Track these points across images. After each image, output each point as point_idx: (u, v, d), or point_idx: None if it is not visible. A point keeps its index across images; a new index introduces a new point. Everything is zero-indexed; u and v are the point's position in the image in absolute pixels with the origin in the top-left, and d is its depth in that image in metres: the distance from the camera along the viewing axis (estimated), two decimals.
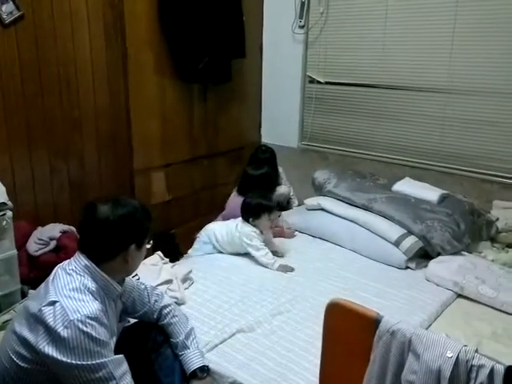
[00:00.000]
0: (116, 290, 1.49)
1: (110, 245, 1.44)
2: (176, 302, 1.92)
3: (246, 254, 2.59)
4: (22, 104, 2.57)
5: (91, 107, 2.88)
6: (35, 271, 2.46)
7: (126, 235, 1.45)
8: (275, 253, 2.59)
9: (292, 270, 2.44)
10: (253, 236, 2.52)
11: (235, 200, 3.02)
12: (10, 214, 2.18)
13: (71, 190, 2.89)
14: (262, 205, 2.53)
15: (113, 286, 1.47)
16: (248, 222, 2.56)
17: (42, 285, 1.44)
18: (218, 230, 2.66)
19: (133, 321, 1.79)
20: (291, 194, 3.64)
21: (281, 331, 1.89)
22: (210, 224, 2.80)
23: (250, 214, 2.55)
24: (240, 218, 2.62)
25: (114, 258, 1.45)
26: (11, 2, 2.42)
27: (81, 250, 1.45)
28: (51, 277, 1.43)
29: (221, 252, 2.64)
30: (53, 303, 1.31)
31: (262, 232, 2.56)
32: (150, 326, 1.71)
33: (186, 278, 2.23)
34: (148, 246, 1.57)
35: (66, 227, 2.64)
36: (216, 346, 1.78)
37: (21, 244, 2.44)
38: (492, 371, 1.11)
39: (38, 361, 1.31)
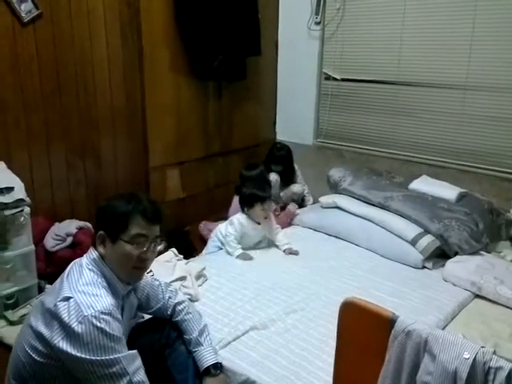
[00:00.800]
0: (119, 284, 1.48)
1: (96, 235, 1.47)
2: (190, 299, 1.92)
3: (259, 251, 2.60)
4: (40, 102, 2.61)
5: (107, 105, 2.91)
6: (52, 266, 2.49)
7: (100, 225, 1.48)
8: (286, 249, 2.62)
9: (251, 258, 2.49)
10: (233, 223, 2.60)
11: (234, 201, 3.06)
12: (27, 210, 2.21)
13: (87, 187, 2.92)
14: (255, 195, 2.59)
15: (116, 281, 1.47)
16: (243, 211, 2.63)
17: (58, 280, 1.46)
18: (223, 226, 2.71)
19: (147, 317, 1.79)
20: (306, 191, 3.63)
21: (294, 329, 1.88)
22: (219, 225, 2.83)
23: (244, 203, 2.63)
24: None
25: (96, 248, 1.47)
26: (30, 1, 2.45)
27: (94, 246, 1.47)
28: (66, 272, 1.44)
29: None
30: (67, 299, 1.32)
31: (259, 223, 2.61)
32: (163, 322, 1.72)
33: (199, 275, 2.23)
34: (161, 247, 1.57)
35: (82, 223, 2.67)
36: (229, 343, 1.78)
37: (38, 240, 2.47)
38: (510, 373, 1.09)
39: (52, 355, 1.33)
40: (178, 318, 1.71)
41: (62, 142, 2.75)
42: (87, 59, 2.76)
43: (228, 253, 2.56)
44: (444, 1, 2.97)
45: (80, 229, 2.62)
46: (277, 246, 2.67)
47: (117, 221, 1.43)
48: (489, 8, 2.81)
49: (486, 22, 2.83)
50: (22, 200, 2.20)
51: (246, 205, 2.60)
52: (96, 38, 2.77)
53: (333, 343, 1.42)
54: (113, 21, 2.82)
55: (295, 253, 2.58)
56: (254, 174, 3.25)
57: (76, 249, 2.55)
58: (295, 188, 3.57)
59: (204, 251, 2.77)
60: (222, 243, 2.67)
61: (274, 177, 3.49)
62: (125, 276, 1.48)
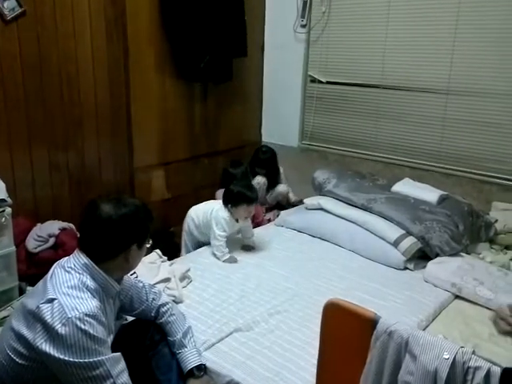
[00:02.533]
0: (114, 288, 1.49)
1: (111, 244, 1.43)
2: (174, 301, 1.92)
3: (244, 253, 2.61)
4: (22, 100, 2.57)
5: (92, 104, 2.88)
6: (33, 268, 2.46)
7: (128, 235, 1.45)
8: (248, 247, 2.66)
9: (236, 261, 2.49)
10: (221, 224, 2.53)
11: (218, 195, 3.15)
12: (9, 210, 2.18)
13: (71, 187, 2.89)
14: (244, 195, 2.53)
15: (111, 285, 1.47)
16: (227, 207, 2.57)
17: (40, 282, 1.44)
18: (195, 210, 2.71)
19: (130, 319, 1.79)
20: (289, 193, 3.66)
21: (278, 330, 1.89)
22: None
23: (230, 200, 2.56)
24: (220, 202, 2.62)
25: (114, 258, 1.45)
26: None
27: (81, 248, 1.45)
28: (49, 274, 1.43)
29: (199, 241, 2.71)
30: (51, 300, 1.31)
31: (237, 220, 2.58)
32: (147, 324, 1.71)
33: (184, 277, 2.23)
34: (148, 246, 1.57)
35: (65, 224, 2.64)
36: (213, 344, 1.78)
37: (19, 241, 2.44)
38: (488, 373, 1.12)
39: (35, 358, 1.31)
40: (162, 319, 1.71)
41: (45, 142, 2.72)
42: (71, 58, 2.73)
43: (215, 256, 2.53)
44: (427, 7, 3.02)
45: (63, 230, 2.59)
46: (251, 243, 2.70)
47: (144, 228, 1.51)
48: (470, 15, 2.86)
49: (467, 28, 2.89)
50: (3, 200, 2.17)
51: (232, 202, 2.54)
52: (80, 37, 2.75)
53: (316, 344, 1.43)
54: (98, 20, 2.80)
55: (251, 247, 2.64)
56: (239, 171, 3.35)
57: (58, 250, 2.52)
58: (280, 188, 3.61)
59: (183, 251, 2.78)
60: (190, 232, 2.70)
61: (260, 179, 3.51)
62: (125, 273, 1.58)
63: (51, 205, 2.81)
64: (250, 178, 3.48)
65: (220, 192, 3.17)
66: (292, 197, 3.68)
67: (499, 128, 2.87)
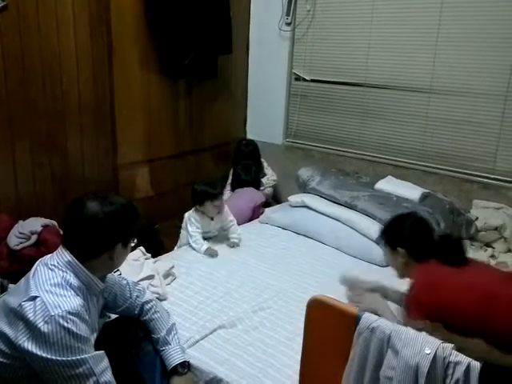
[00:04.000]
0: (98, 286, 1.48)
1: (96, 242, 1.42)
2: (158, 298, 1.92)
3: (228, 250, 2.62)
4: (4, 96, 2.53)
5: (75, 100, 2.85)
6: (15, 265, 2.42)
7: (113, 233, 1.44)
8: (233, 244, 2.70)
9: (217, 254, 2.56)
10: (192, 222, 2.66)
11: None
12: None
13: (54, 184, 2.85)
14: (205, 192, 2.62)
15: (95, 283, 1.46)
16: (195, 207, 2.68)
17: (22, 280, 1.42)
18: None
19: (114, 317, 1.78)
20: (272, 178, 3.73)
21: (262, 327, 1.90)
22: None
23: (195, 200, 2.67)
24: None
25: (99, 256, 1.43)
26: None
27: (65, 246, 1.43)
28: (32, 272, 1.41)
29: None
30: (33, 298, 1.30)
31: (212, 218, 2.68)
32: (131, 321, 1.70)
33: (168, 274, 2.22)
34: (132, 245, 1.56)
35: (47, 221, 2.60)
36: (197, 341, 1.78)
37: (1, 238, 2.41)
38: (468, 368, 1.14)
39: (17, 356, 1.30)
40: (146, 317, 1.70)
41: (27, 138, 2.67)
42: (54, 53, 2.69)
43: (194, 249, 2.60)
44: (411, 7, 3.05)
45: (45, 227, 2.56)
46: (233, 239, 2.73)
47: (130, 226, 1.51)
48: (453, 15, 2.90)
49: (450, 29, 2.93)
50: None
51: (198, 201, 2.64)
52: (64, 33, 2.71)
53: (300, 340, 1.45)
54: (81, 15, 2.76)
55: (235, 245, 2.69)
56: (248, 178, 3.47)
57: (41, 247, 2.49)
58: (264, 181, 3.64)
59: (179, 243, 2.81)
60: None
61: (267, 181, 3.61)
62: (109, 272, 1.56)
63: (34, 202, 2.77)
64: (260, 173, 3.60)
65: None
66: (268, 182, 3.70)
67: (480, 127, 2.92)
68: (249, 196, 3.33)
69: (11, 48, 2.50)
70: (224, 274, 2.32)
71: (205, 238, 2.69)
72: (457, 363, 1.16)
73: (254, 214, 3.25)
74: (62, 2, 2.66)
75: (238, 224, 2.83)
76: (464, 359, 1.15)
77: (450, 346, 1.18)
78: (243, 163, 3.57)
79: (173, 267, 2.28)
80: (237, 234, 2.73)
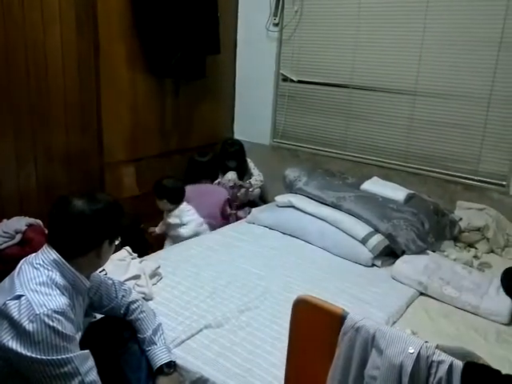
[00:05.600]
0: (84, 284, 1.48)
1: (84, 240, 1.42)
2: (144, 298, 1.91)
3: (217, 249, 2.61)
4: None
5: (61, 98, 2.82)
6: None
7: (100, 231, 1.45)
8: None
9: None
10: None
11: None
12: None
13: (38, 182, 2.82)
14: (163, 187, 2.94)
15: (81, 281, 1.46)
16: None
17: (7, 279, 1.41)
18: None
19: (99, 316, 1.77)
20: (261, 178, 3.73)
21: (248, 327, 1.90)
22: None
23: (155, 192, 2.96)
24: None
25: (86, 254, 1.43)
26: None
27: (50, 244, 1.43)
28: (16, 271, 1.40)
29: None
30: (18, 297, 1.29)
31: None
32: (116, 321, 1.70)
33: (154, 274, 2.21)
34: (117, 242, 1.56)
35: (32, 220, 2.57)
36: (183, 341, 1.78)
37: None
38: (451, 367, 1.16)
39: (1, 355, 1.29)
40: (132, 316, 1.70)
41: (11, 135, 2.64)
42: (39, 50, 2.66)
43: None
44: (396, 9, 3.08)
45: (30, 226, 2.53)
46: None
47: (116, 224, 1.51)
48: (438, 18, 2.94)
49: (435, 31, 2.96)
50: None
51: (156, 195, 2.92)
52: (49, 29, 2.68)
53: (286, 340, 1.45)
54: (68, 12, 2.74)
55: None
56: (206, 159, 3.51)
57: (25, 246, 2.46)
58: (252, 181, 3.63)
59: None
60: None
61: (231, 176, 3.52)
62: (95, 270, 1.58)
63: (18, 200, 2.73)
64: (215, 166, 3.62)
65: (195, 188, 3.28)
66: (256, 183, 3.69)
67: (463, 129, 2.96)
68: (213, 197, 3.30)
69: None
70: (211, 273, 2.32)
71: None
72: (440, 362, 1.17)
73: (223, 212, 3.27)
74: None
75: (212, 227, 3.05)
76: (447, 358, 1.17)
77: (434, 345, 1.20)
78: (200, 151, 3.61)
79: (159, 267, 2.28)
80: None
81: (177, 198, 2.93)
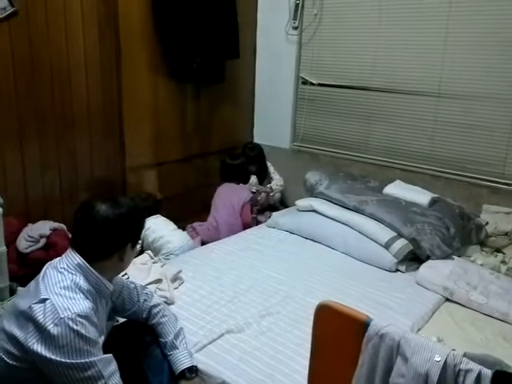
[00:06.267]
0: (107, 288, 1.49)
1: (108, 244, 1.44)
2: (165, 302, 1.92)
3: (238, 254, 2.61)
4: (14, 101, 2.55)
5: (84, 104, 2.87)
6: (24, 268, 2.44)
7: (124, 234, 1.47)
8: None
9: None
10: None
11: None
12: (0, 210, 2.16)
13: (62, 187, 2.87)
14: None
15: (104, 285, 1.47)
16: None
17: (32, 282, 1.44)
18: None
19: (122, 320, 1.78)
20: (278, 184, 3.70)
21: (270, 332, 1.89)
22: None
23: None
24: None
25: (110, 257, 1.45)
26: None
27: (74, 248, 1.44)
28: (41, 274, 1.42)
29: None
30: (43, 301, 1.31)
31: None
32: (138, 325, 1.71)
33: (175, 278, 2.22)
34: (138, 247, 1.58)
35: (56, 225, 2.62)
36: (205, 346, 1.77)
37: (10, 241, 2.42)
38: (479, 375, 1.12)
39: (26, 358, 1.31)
40: (154, 321, 1.71)
41: (36, 141, 2.69)
42: (63, 58, 2.72)
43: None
44: (418, 10, 3.04)
45: (54, 230, 2.58)
46: None
47: (139, 227, 1.57)
48: (461, 19, 2.89)
49: (458, 32, 2.91)
50: None
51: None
52: (72, 37, 2.73)
53: (308, 346, 1.43)
54: (90, 20, 2.78)
55: None
56: (236, 163, 3.45)
57: (50, 250, 2.51)
58: (272, 186, 3.62)
59: None
60: None
61: (253, 180, 3.53)
62: (118, 273, 1.59)
63: (42, 205, 2.79)
64: (247, 170, 3.57)
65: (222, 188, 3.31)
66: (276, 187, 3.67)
67: (489, 131, 2.90)
68: (234, 197, 3.27)
69: (21, 53, 2.53)
70: (232, 278, 2.32)
71: None
72: (467, 371, 1.14)
73: (244, 211, 3.24)
74: (71, 6, 2.69)
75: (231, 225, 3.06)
76: (475, 367, 1.14)
77: (461, 353, 1.17)
78: (231, 153, 3.58)
79: (180, 271, 2.28)
80: None
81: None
